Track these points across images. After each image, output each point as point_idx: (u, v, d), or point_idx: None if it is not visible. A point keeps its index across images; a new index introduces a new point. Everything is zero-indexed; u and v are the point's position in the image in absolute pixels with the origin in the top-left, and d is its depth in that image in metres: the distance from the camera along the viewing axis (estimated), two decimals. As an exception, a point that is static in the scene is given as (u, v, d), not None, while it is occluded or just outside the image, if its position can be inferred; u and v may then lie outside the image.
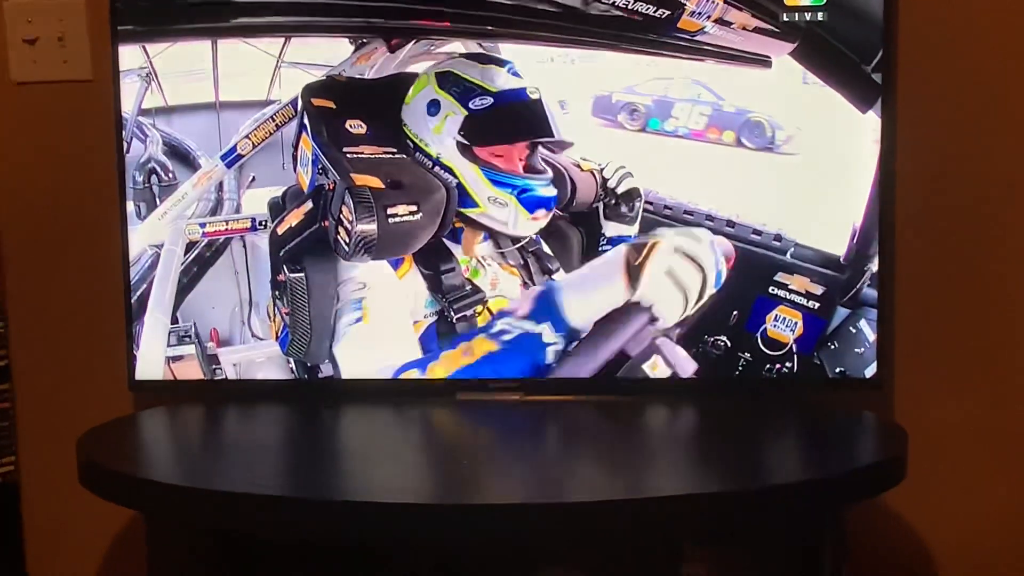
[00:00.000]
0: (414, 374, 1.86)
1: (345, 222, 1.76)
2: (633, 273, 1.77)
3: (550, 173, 1.87)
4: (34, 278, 2.05)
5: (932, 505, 1.95)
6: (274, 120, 1.93)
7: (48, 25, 1.99)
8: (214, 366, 1.95)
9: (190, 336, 1.94)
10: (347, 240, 1.76)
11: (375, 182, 1.77)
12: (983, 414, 1.95)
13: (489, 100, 1.82)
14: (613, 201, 1.92)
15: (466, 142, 1.82)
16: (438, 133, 1.83)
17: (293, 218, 1.85)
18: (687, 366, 1.86)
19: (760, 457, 1.70)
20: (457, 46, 1.91)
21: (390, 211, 1.76)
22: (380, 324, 1.85)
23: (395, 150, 1.85)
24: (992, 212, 1.93)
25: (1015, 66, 1.90)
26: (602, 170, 1.92)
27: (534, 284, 1.89)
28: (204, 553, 1.85)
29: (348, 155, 1.81)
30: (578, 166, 1.91)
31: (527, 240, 1.90)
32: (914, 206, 1.90)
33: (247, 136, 1.93)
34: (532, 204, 1.85)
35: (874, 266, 1.86)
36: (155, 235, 1.94)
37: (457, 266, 1.86)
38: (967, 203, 1.93)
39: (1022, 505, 1.96)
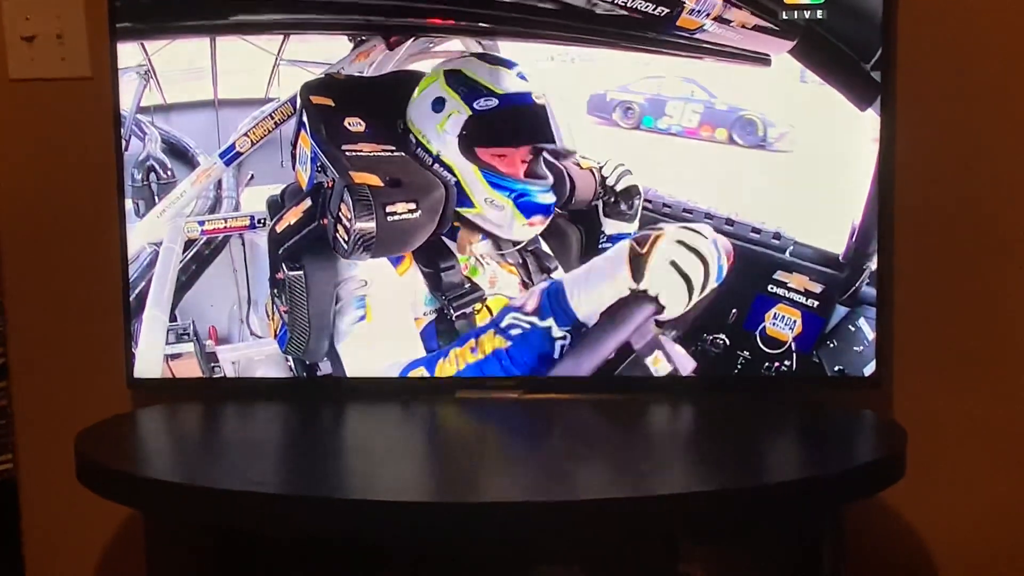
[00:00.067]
0: (422, 372, 1.86)
1: (344, 220, 1.76)
2: (637, 263, 1.77)
3: (550, 180, 1.87)
4: (32, 276, 2.05)
5: (931, 503, 1.95)
6: (273, 118, 1.93)
7: (46, 22, 1.99)
8: (213, 364, 1.95)
9: (189, 334, 1.94)
10: (346, 238, 1.76)
11: (374, 180, 1.77)
12: (982, 412, 1.95)
13: (494, 102, 1.82)
14: (612, 199, 1.92)
15: (467, 142, 1.82)
16: (441, 130, 1.83)
17: (292, 216, 1.85)
18: (686, 364, 1.86)
19: (759, 455, 1.70)
20: (456, 44, 1.91)
21: (389, 209, 1.76)
22: (384, 321, 1.85)
23: (394, 148, 1.85)
24: (991, 210, 1.93)
25: (1014, 64, 1.90)
26: (601, 168, 1.92)
27: (532, 283, 1.89)
28: (203, 551, 1.85)
29: (347, 153, 1.80)
30: (577, 164, 1.91)
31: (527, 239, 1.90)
32: (913, 204, 1.90)
33: (246, 134, 1.93)
34: (529, 209, 1.85)
35: (873, 264, 1.86)
36: (154, 233, 1.94)
37: (456, 264, 1.86)
38: (966, 201, 1.93)
39: (1021, 503, 1.96)
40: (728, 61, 1.87)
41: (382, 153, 1.84)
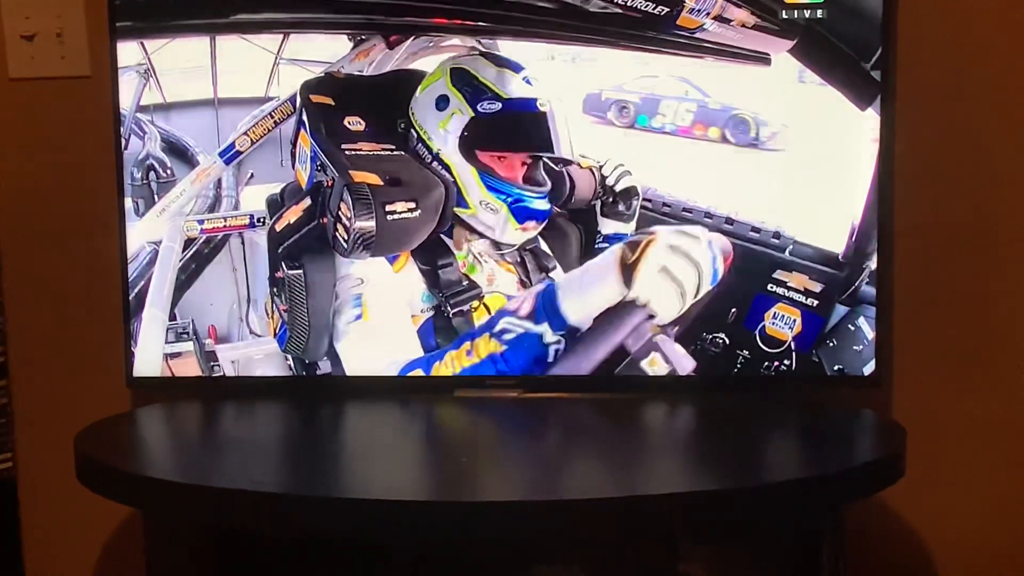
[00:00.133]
0: (418, 373, 1.86)
1: (344, 219, 1.76)
2: (627, 272, 1.77)
3: (548, 186, 1.87)
4: (32, 274, 2.05)
5: (931, 502, 1.95)
6: (272, 117, 1.93)
7: (46, 21, 1.99)
8: (212, 363, 1.95)
9: (188, 333, 1.94)
10: (346, 237, 1.76)
11: (374, 179, 1.77)
12: (982, 411, 1.95)
13: (498, 105, 1.82)
14: (611, 199, 1.91)
15: (468, 143, 1.82)
16: (442, 128, 1.83)
17: (291, 215, 1.85)
18: (686, 363, 1.86)
19: (758, 455, 1.70)
20: (456, 43, 1.91)
21: (388, 208, 1.76)
22: (380, 320, 1.85)
23: (394, 147, 1.85)
24: (991, 210, 1.93)
25: (1014, 63, 1.90)
26: (601, 168, 1.92)
27: (531, 282, 1.89)
28: (202, 550, 1.85)
29: (346, 152, 1.80)
30: (577, 164, 1.91)
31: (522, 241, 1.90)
32: (913, 204, 1.90)
33: (245, 133, 1.93)
34: (523, 215, 1.85)
35: (873, 263, 1.85)
36: (153, 232, 1.94)
37: (454, 262, 1.86)
38: (966, 201, 1.93)
39: (1021, 502, 1.96)
40: (728, 60, 1.87)
41: (382, 152, 1.84)
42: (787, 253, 1.89)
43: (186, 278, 1.95)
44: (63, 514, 2.06)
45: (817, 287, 1.88)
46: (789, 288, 1.88)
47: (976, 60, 1.90)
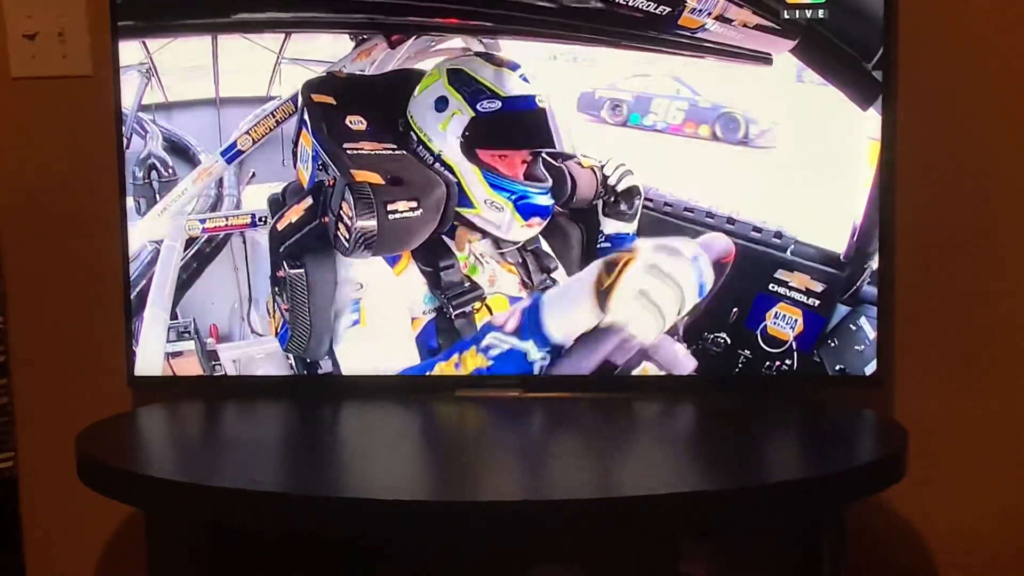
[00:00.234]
0: (413, 381, 1.87)
1: (345, 218, 1.76)
2: (602, 297, 1.77)
3: (549, 182, 1.87)
4: (33, 274, 2.05)
5: (932, 502, 1.95)
6: (274, 116, 1.93)
7: (48, 20, 1.99)
8: (213, 362, 1.95)
9: (189, 332, 1.94)
10: (347, 236, 1.76)
11: (375, 178, 1.77)
12: (983, 411, 1.95)
13: (497, 104, 1.82)
14: (613, 199, 1.91)
15: (470, 143, 1.82)
16: (443, 130, 1.83)
17: (293, 214, 1.85)
18: (687, 363, 1.86)
19: (759, 455, 1.70)
20: (458, 43, 1.91)
21: (390, 207, 1.76)
22: (377, 327, 1.85)
23: (395, 146, 1.85)
24: (993, 210, 1.93)
25: (1016, 63, 1.90)
26: (602, 167, 1.92)
27: (532, 283, 1.90)
28: (203, 549, 1.85)
29: (348, 151, 1.80)
30: (579, 163, 1.91)
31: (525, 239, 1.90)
32: (914, 204, 1.90)
33: (247, 132, 1.93)
34: (528, 211, 1.85)
35: (874, 263, 1.85)
36: (155, 231, 1.94)
37: (456, 263, 1.86)
38: (968, 201, 1.92)
39: (1022, 502, 1.96)
40: (729, 60, 1.87)
41: (383, 151, 1.84)
42: (788, 253, 1.89)
43: (187, 277, 1.95)
44: (64, 513, 2.06)
45: (819, 287, 1.88)
46: (791, 288, 1.88)
47: (977, 60, 1.90)
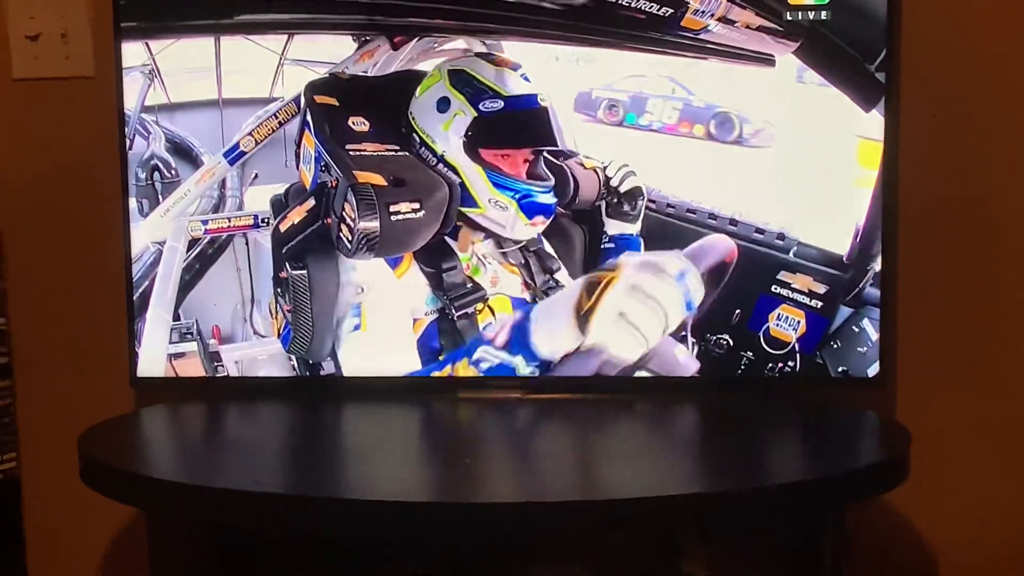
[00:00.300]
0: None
1: (348, 219, 1.76)
2: (582, 321, 1.78)
3: (551, 180, 1.87)
4: (36, 275, 2.05)
5: (934, 504, 1.95)
6: (277, 117, 1.93)
7: (51, 21, 1.99)
8: (216, 363, 1.95)
9: (192, 333, 1.94)
10: (349, 237, 1.76)
11: (378, 179, 1.77)
12: (985, 413, 1.94)
13: (499, 104, 1.83)
14: (616, 200, 1.91)
15: (473, 143, 1.82)
16: (446, 130, 1.83)
17: (296, 215, 1.85)
18: (690, 364, 1.86)
19: (762, 456, 1.70)
20: (460, 44, 1.91)
21: (392, 208, 1.76)
22: (378, 330, 1.85)
23: (398, 147, 1.85)
24: (995, 211, 1.93)
25: (1019, 64, 1.90)
26: (605, 168, 1.92)
27: (535, 283, 1.90)
28: (205, 550, 1.85)
29: (351, 152, 1.81)
30: (581, 164, 1.91)
31: (529, 239, 1.90)
32: (917, 205, 1.90)
33: (250, 133, 1.93)
34: (532, 210, 1.85)
35: (877, 265, 1.85)
36: (157, 232, 1.94)
37: (458, 264, 1.87)
38: (970, 202, 1.92)
39: (1025, 505, 1.96)
40: (732, 62, 1.87)
41: (386, 153, 1.84)
42: (791, 254, 1.89)
43: (190, 278, 1.95)
44: (66, 514, 2.06)
45: (821, 288, 1.88)
46: (793, 289, 1.88)
47: (981, 61, 1.90)
